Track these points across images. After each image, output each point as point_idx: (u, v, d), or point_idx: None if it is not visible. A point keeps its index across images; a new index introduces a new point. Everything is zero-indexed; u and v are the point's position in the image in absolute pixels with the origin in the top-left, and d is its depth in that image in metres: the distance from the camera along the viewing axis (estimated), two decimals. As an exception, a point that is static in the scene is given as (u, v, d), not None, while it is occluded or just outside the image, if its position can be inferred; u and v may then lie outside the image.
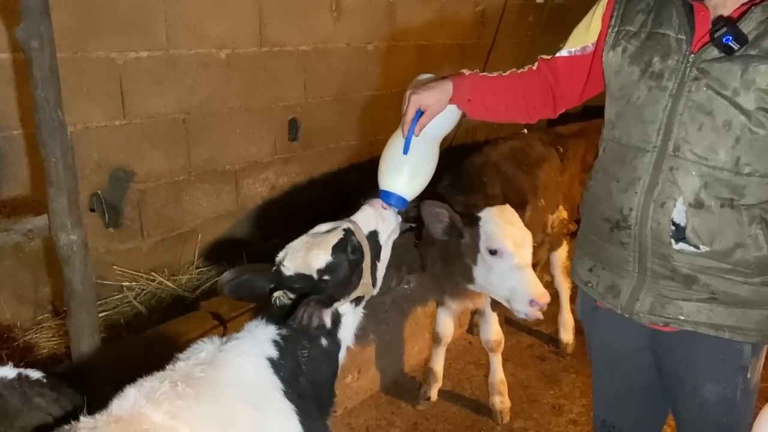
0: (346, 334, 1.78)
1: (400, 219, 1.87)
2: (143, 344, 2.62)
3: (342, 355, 1.79)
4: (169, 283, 3.42)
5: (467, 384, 3.56)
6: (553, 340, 3.95)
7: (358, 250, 1.73)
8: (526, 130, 3.68)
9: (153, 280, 3.41)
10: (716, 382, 1.75)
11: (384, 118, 4.94)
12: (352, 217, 1.79)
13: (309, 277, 1.67)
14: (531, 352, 3.91)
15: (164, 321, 3.00)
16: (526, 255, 2.58)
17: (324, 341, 1.70)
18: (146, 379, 1.50)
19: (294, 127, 4.26)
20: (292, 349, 1.64)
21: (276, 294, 1.67)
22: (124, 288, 3.32)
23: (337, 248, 1.69)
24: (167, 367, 1.57)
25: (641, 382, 1.95)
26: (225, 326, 2.83)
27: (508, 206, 2.67)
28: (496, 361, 3.30)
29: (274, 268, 1.73)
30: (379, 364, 3.50)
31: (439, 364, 3.39)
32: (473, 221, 2.64)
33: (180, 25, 3.47)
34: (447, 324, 3.34)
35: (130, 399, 1.43)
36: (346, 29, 4.45)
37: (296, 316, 1.56)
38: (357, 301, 1.78)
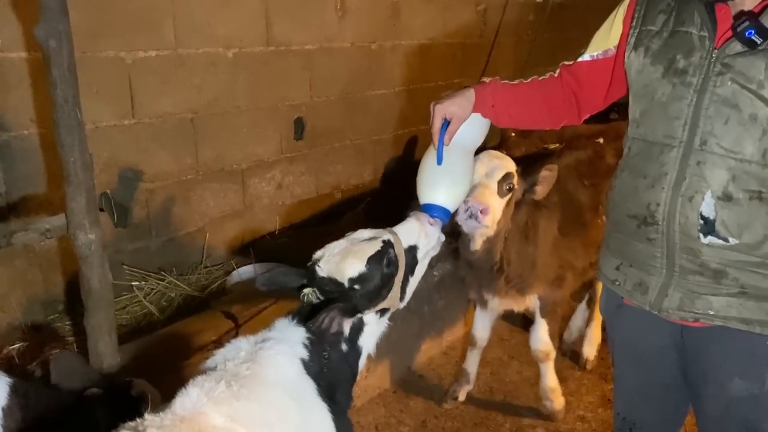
0: (368, 342, 1.78)
1: (443, 237, 1.86)
2: (159, 343, 2.62)
3: (362, 362, 1.79)
4: (178, 282, 3.42)
5: (475, 382, 3.57)
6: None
7: (393, 263, 1.72)
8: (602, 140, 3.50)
9: (162, 280, 3.41)
10: (744, 377, 1.75)
11: (388, 116, 4.97)
12: (395, 228, 1.78)
13: (340, 284, 1.68)
14: (537, 349, 3.93)
15: (174, 320, 3.01)
16: (489, 181, 2.53)
17: (344, 346, 1.71)
18: (204, 377, 1.51)
19: (299, 126, 4.27)
20: (318, 351, 1.65)
21: (306, 291, 1.68)
22: (134, 287, 3.31)
23: (373, 260, 1.68)
24: (217, 366, 1.57)
25: (664, 379, 1.95)
26: (237, 325, 2.84)
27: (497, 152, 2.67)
28: (547, 371, 3.25)
29: (309, 264, 1.73)
30: (388, 362, 3.51)
31: (473, 366, 3.41)
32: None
33: (188, 25, 3.47)
34: (484, 327, 3.33)
35: (193, 398, 1.44)
36: (350, 28, 4.46)
37: (318, 320, 1.58)
38: (382, 312, 1.77)
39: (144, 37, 3.30)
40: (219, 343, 2.69)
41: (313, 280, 1.71)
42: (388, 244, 1.72)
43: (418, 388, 3.57)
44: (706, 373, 1.82)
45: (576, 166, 3.22)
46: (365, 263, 1.67)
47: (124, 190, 3.35)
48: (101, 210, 3.27)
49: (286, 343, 1.62)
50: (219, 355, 1.60)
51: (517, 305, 3.11)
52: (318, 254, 1.73)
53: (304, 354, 1.63)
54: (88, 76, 3.07)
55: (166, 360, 2.42)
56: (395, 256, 1.72)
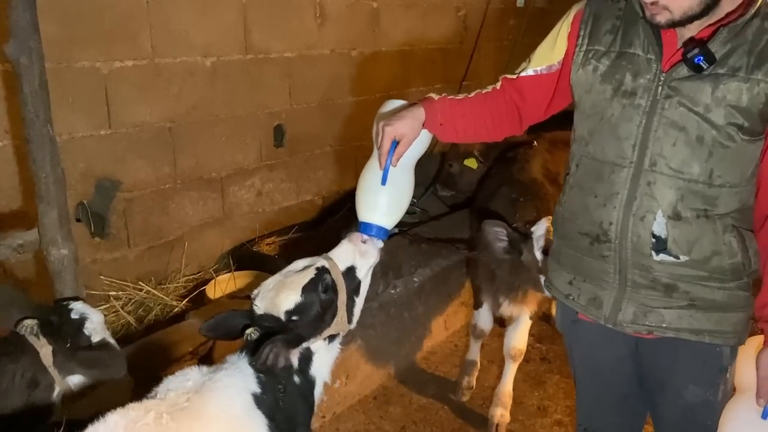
0: (321, 370, 1.75)
1: (380, 245, 1.84)
2: (136, 353, 2.62)
3: (318, 392, 1.77)
4: (156, 292, 3.42)
5: (454, 387, 3.61)
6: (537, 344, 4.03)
7: (331, 288, 1.71)
8: (536, 143, 3.79)
9: (140, 290, 3.41)
10: (698, 384, 1.81)
11: (368, 123, 4.94)
12: (330, 253, 1.77)
13: (277, 318, 1.66)
14: (515, 354, 3.98)
15: (152, 330, 3.01)
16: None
17: (296, 379, 1.69)
18: (135, 405, 1.47)
19: (279, 134, 4.28)
20: (272, 383, 1.63)
21: (248, 331, 1.66)
22: (111, 298, 3.31)
23: (308, 288, 1.67)
24: (157, 393, 1.55)
25: (621, 389, 2.00)
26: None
27: None
28: (510, 372, 3.33)
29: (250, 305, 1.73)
30: (367, 368, 3.53)
31: (477, 355, 3.57)
32: (528, 236, 2.76)
33: (165, 34, 3.47)
34: (488, 320, 3.48)
35: (109, 426, 1.41)
36: (330, 36, 4.47)
37: (259, 355, 1.54)
38: (331, 338, 1.76)
39: (120, 47, 3.29)
40: (195, 354, 2.72)
41: (253, 319, 1.70)
42: (322, 270, 1.70)
43: (398, 394, 3.60)
44: (662, 381, 1.88)
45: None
46: (300, 293, 1.65)
47: (101, 200, 3.35)
48: (78, 220, 3.28)
49: (237, 376, 1.59)
50: (165, 383, 1.58)
51: (528, 309, 3.22)
52: (254, 293, 1.72)
53: (256, 388, 1.60)
54: (63, 86, 3.08)
55: (142, 371, 2.43)
56: (332, 280, 1.71)
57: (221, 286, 3.55)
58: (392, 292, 3.61)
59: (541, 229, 2.73)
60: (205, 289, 3.51)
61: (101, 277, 3.36)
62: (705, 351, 1.77)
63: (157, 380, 2.21)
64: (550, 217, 2.72)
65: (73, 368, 1.80)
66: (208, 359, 2.69)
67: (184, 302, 3.42)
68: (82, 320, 1.86)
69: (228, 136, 3.94)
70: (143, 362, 2.56)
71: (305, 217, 4.55)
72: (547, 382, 3.68)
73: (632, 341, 1.87)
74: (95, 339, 1.89)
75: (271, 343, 1.54)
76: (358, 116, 4.87)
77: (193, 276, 3.73)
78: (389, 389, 3.63)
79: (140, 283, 3.46)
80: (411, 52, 5.23)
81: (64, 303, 1.92)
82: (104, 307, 3.29)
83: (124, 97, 3.35)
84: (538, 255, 2.70)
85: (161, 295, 3.41)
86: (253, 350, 1.61)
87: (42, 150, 2.07)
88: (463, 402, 3.53)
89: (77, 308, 1.89)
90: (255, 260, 3.80)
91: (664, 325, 1.75)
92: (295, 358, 1.66)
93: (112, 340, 1.96)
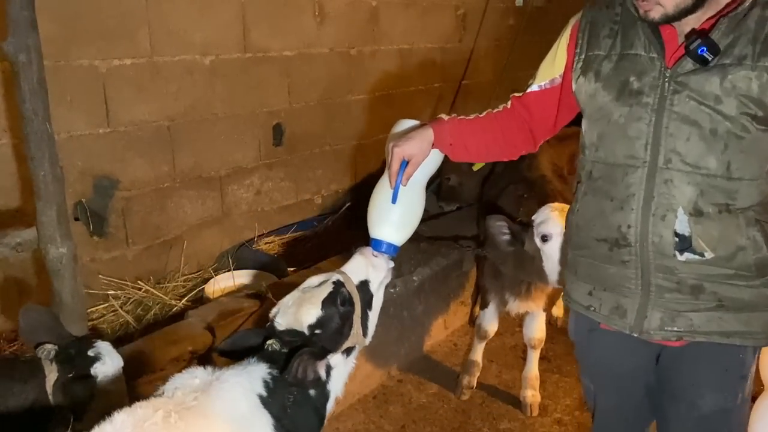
0: (337, 385, 1.78)
1: (391, 265, 1.89)
2: (134, 353, 2.61)
3: (330, 405, 1.79)
4: (155, 291, 3.40)
5: (453, 386, 3.60)
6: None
7: (348, 301, 1.75)
8: None
9: (139, 289, 3.40)
10: (717, 391, 1.77)
11: (367, 122, 4.99)
12: (343, 268, 1.82)
13: (300, 333, 1.70)
14: (515, 353, 3.98)
15: (151, 330, 3.00)
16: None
17: (312, 391, 1.71)
18: (141, 404, 1.48)
19: (278, 132, 4.27)
20: (280, 391, 1.64)
21: (269, 341, 1.69)
22: (110, 297, 3.30)
23: (327, 302, 1.72)
24: (164, 391, 1.56)
25: (636, 399, 1.97)
26: (214, 335, 2.84)
27: (560, 204, 2.83)
28: (534, 358, 3.49)
29: (268, 323, 1.76)
30: (367, 368, 3.53)
31: (480, 356, 3.62)
32: (529, 225, 2.81)
33: (164, 32, 3.46)
34: (494, 321, 3.55)
35: (116, 425, 1.41)
36: (329, 34, 4.46)
37: (290, 369, 1.58)
38: (347, 351, 1.78)
39: (119, 45, 3.28)
40: (194, 353, 2.71)
41: (273, 335, 1.72)
42: (339, 284, 1.75)
43: (397, 393, 3.59)
44: (680, 389, 1.83)
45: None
46: (320, 307, 1.71)
47: (99, 199, 3.34)
48: (76, 219, 3.27)
49: (245, 377, 1.61)
50: (172, 382, 1.59)
51: (535, 305, 3.29)
52: (273, 311, 1.76)
53: (262, 391, 1.62)
54: (62, 85, 3.07)
55: (140, 370, 2.42)
56: (349, 293, 1.76)
57: (220, 285, 3.54)
58: (392, 291, 3.60)
59: (541, 216, 2.76)
60: (204, 288, 3.50)
61: (100, 276, 3.35)
62: (727, 357, 1.73)
63: (155, 380, 2.21)
64: (551, 205, 2.78)
65: (61, 398, 1.82)
66: (207, 359, 2.68)
67: (183, 301, 3.41)
68: (95, 359, 1.85)
69: (227, 135, 3.93)
70: (142, 361, 2.56)
71: (304, 216, 4.54)
72: (547, 381, 3.67)
73: (656, 349, 1.83)
74: (100, 380, 1.87)
75: (299, 356, 1.58)
76: (357, 115, 4.86)
77: (192, 275, 3.72)
78: (389, 388, 3.62)
79: (139, 282, 3.45)
80: (410, 51, 5.23)
81: (93, 338, 1.95)
82: (103, 306, 3.28)
83: (123, 95, 3.34)
84: (538, 242, 2.74)
85: (160, 294, 3.40)
86: (269, 356, 1.64)
87: (40, 148, 2.06)
88: (463, 401, 3.53)
89: (99, 347, 1.89)
90: (254, 259, 3.80)
91: (693, 330, 1.70)
92: (322, 370, 1.70)
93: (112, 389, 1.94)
